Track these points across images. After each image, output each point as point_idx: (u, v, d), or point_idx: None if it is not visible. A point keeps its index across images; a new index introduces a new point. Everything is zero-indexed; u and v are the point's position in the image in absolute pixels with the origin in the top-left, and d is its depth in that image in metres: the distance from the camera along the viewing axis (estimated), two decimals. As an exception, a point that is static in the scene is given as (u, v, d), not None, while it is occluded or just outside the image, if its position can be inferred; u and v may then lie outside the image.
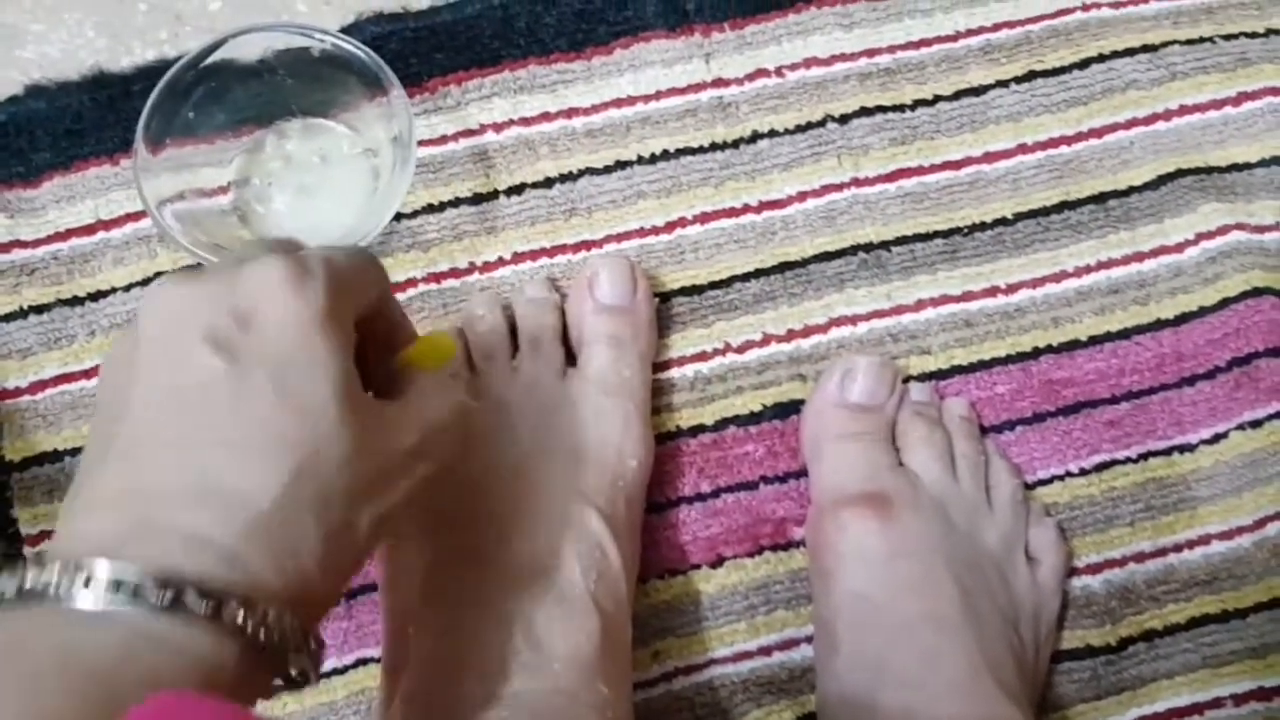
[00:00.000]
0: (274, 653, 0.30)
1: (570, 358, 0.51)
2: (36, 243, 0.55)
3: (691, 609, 0.51)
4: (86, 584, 0.28)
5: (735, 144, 0.57)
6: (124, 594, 0.28)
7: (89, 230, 0.55)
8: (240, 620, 0.29)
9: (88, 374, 0.53)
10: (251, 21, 0.55)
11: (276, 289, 0.33)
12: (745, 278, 0.55)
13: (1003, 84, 0.58)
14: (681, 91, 0.58)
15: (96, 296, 0.54)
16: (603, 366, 0.50)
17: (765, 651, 0.50)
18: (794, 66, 0.58)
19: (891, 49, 0.58)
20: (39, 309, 0.54)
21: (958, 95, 0.58)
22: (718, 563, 0.51)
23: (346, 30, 0.57)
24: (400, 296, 0.54)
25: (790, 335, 0.54)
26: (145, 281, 0.54)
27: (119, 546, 0.29)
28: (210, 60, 0.52)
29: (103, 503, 0.31)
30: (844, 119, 0.57)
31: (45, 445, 0.52)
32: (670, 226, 0.56)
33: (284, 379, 0.32)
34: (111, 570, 0.28)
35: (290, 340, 0.32)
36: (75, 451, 0.52)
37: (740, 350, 0.54)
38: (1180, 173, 0.56)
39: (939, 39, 0.59)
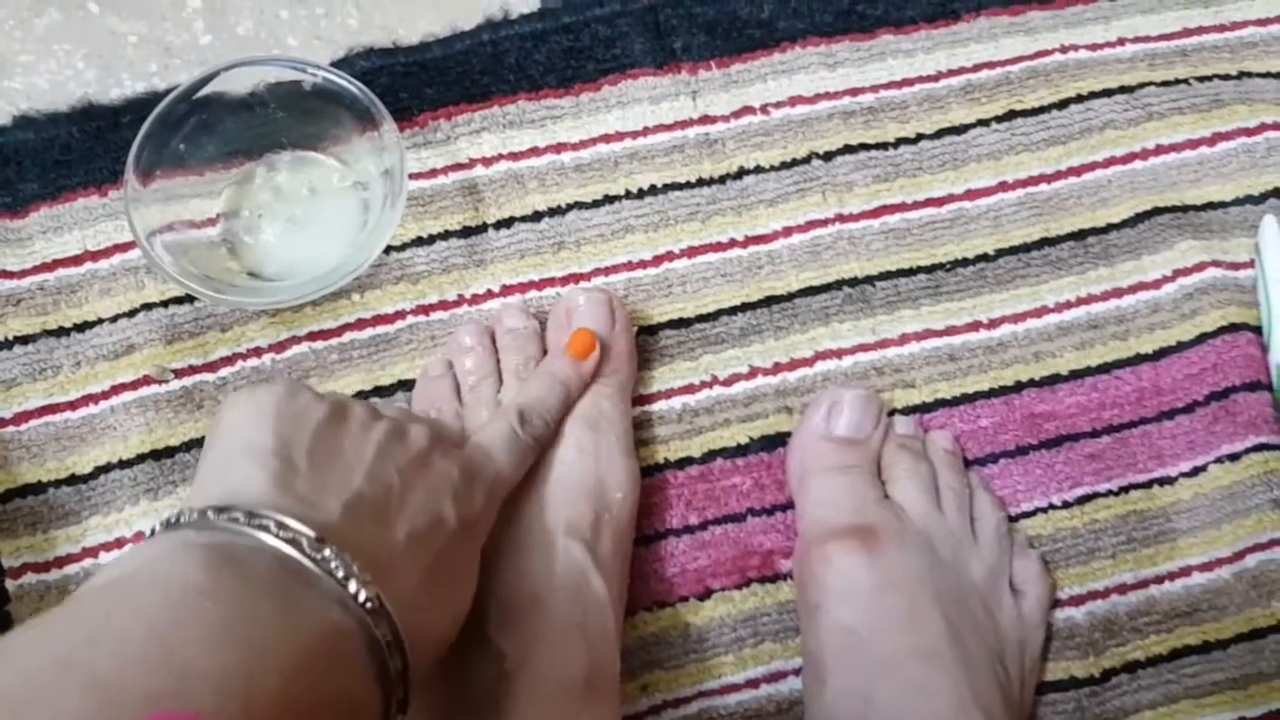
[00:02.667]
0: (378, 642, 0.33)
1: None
2: (23, 273, 0.55)
3: (679, 641, 0.51)
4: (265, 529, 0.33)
5: (722, 180, 0.57)
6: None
7: (76, 261, 0.55)
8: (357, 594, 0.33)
9: (73, 405, 0.53)
10: (242, 55, 0.55)
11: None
12: (732, 311, 0.55)
13: (984, 123, 0.59)
14: (668, 128, 0.58)
15: (83, 327, 0.54)
16: (585, 400, 0.50)
17: (753, 684, 0.50)
18: (779, 104, 0.59)
19: (875, 88, 0.59)
20: (24, 339, 0.54)
21: (940, 134, 0.59)
22: (705, 595, 0.51)
23: (337, 64, 0.58)
24: (388, 329, 0.55)
25: (776, 368, 0.55)
26: (132, 313, 0.54)
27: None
28: (202, 92, 0.52)
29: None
30: (828, 156, 0.58)
31: (29, 477, 0.52)
32: (657, 260, 0.56)
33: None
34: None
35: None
36: (59, 483, 0.52)
37: (727, 383, 0.54)
38: (1157, 210, 0.57)
39: (921, 78, 0.60)
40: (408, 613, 0.34)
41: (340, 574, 0.33)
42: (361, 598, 0.33)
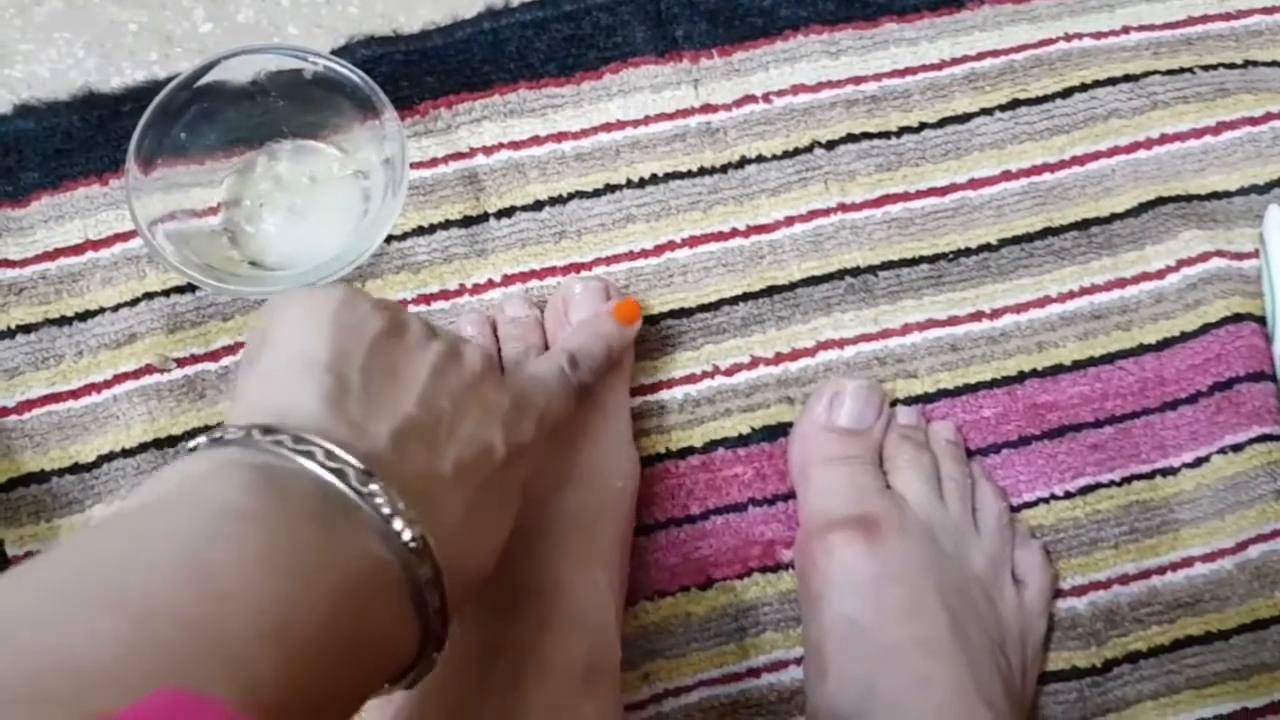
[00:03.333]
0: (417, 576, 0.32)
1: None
2: (24, 262, 0.55)
3: (681, 631, 0.51)
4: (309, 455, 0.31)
5: (723, 169, 0.57)
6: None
7: (77, 250, 0.55)
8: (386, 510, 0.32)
9: (75, 394, 0.53)
10: (242, 44, 0.55)
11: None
12: (733, 301, 0.55)
13: (987, 112, 0.59)
14: (670, 117, 0.58)
15: (85, 316, 0.54)
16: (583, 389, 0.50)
17: (754, 673, 0.50)
18: (781, 93, 0.59)
19: (878, 77, 0.59)
20: (26, 328, 0.54)
21: (943, 123, 0.59)
22: (707, 585, 0.51)
23: (337, 53, 0.58)
24: (390, 318, 0.55)
25: (778, 358, 0.54)
26: (134, 302, 0.54)
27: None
28: (203, 81, 0.52)
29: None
30: (831, 145, 0.58)
31: (32, 465, 0.52)
32: (659, 250, 0.56)
33: None
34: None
35: None
36: (62, 472, 0.52)
37: (729, 373, 0.54)
38: (1161, 200, 0.57)
39: (924, 67, 0.60)
40: (448, 547, 0.33)
41: (385, 510, 0.31)
42: (406, 536, 0.32)
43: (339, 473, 0.31)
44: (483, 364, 0.39)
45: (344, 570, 0.30)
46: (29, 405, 0.53)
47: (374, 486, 0.32)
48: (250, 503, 0.29)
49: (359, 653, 0.30)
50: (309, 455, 0.31)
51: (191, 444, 0.33)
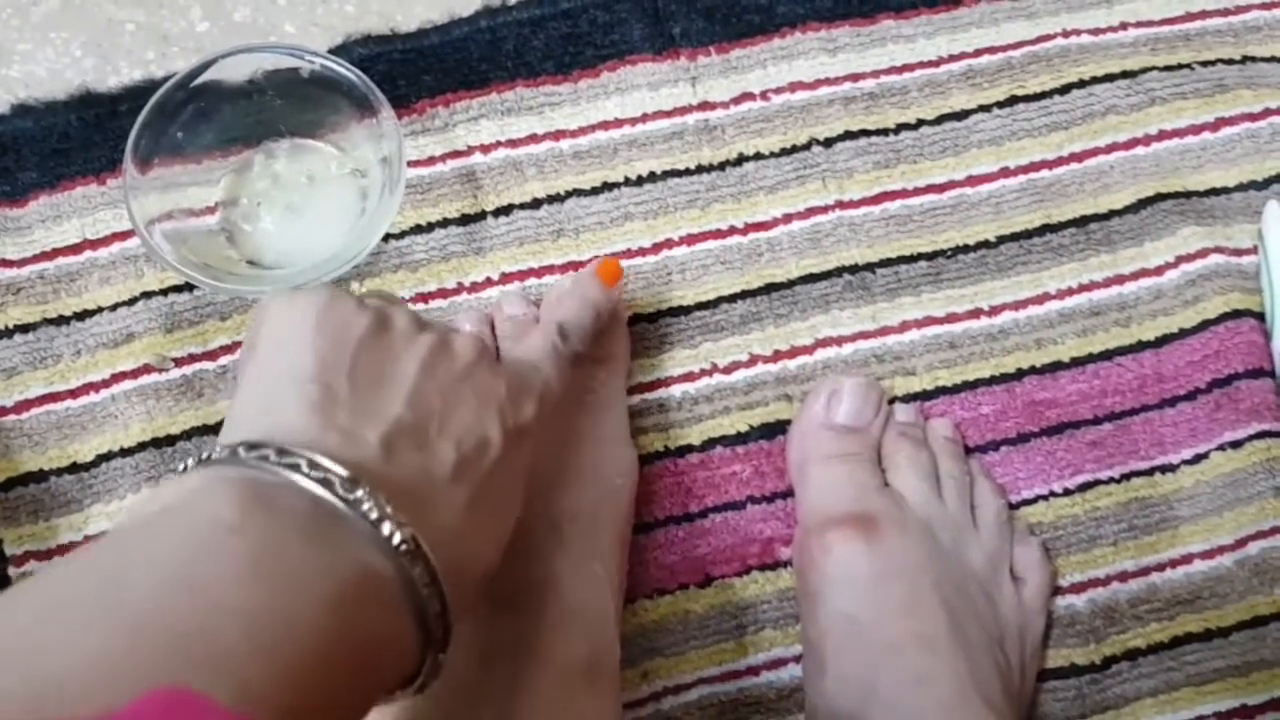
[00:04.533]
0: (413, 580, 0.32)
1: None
2: (22, 262, 0.54)
3: (680, 629, 0.51)
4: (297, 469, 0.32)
5: (721, 166, 0.57)
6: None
7: (75, 250, 0.55)
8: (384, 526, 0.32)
9: (73, 394, 0.53)
10: (239, 43, 0.55)
11: None
12: (732, 299, 0.55)
13: (985, 109, 0.59)
14: (668, 114, 0.58)
15: (83, 316, 0.54)
16: (582, 386, 0.50)
17: (754, 671, 0.50)
18: (779, 90, 0.59)
19: (875, 73, 0.59)
20: (25, 328, 0.54)
21: (940, 119, 0.58)
22: (706, 582, 0.51)
23: (334, 52, 0.58)
24: (388, 317, 0.55)
25: (777, 356, 0.54)
26: (131, 301, 0.54)
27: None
28: (200, 80, 0.52)
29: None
30: (828, 142, 0.58)
31: (30, 465, 0.52)
32: (657, 248, 0.56)
33: None
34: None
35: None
36: (61, 471, 0.52)
37: (727, 371, 0.54)
38: (1160, 197, 0.57)
39: (922, 64, 0.59)
40: (447, 547, 0.33)
41: (373, 515, 0.31)
42: (396, 540, 0.32)
43: (325, 482, 0.31)
44: (474, 352, 0.39)
45: (336, 578, 0.30)
46: (27, 405, 0.53)
47: (360, 493, 0.32)
48: (239, 518, 0.29)
49: (358, 658, 0.30)
50: (294, 468, 0.31)
51: (180, 465, 0.33)
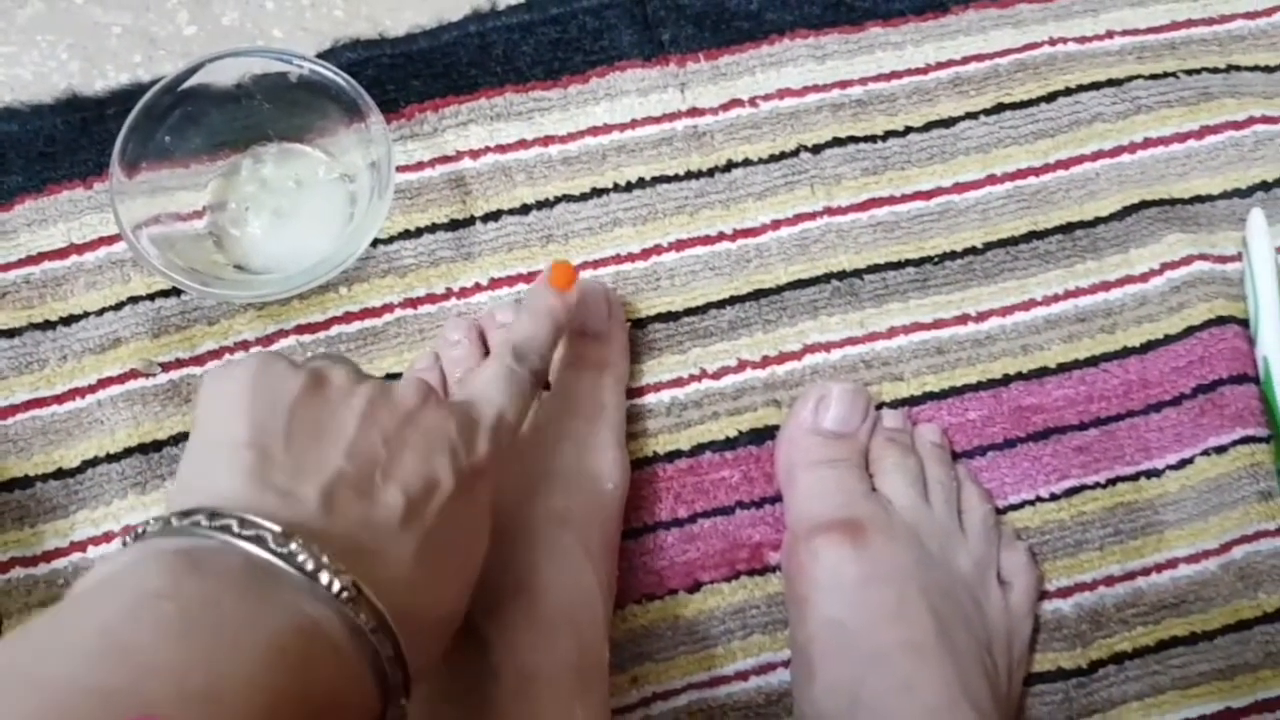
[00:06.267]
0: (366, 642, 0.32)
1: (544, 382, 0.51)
2: (7, 266, 0.54)
3: (669, 634, 0.51)
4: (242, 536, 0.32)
5: (710, 173, 0.57)
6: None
7: (61, 254, 0.54)
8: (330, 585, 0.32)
9: (59, 399, 0.52)
10: (226, 47, 0.55)
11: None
12: (720, 304, 0.55)
13: (972, 116, 0.59)
14: (657, 120, 0.58)
15: (69, 320, 0.54)
16: (578, 391, 0.50)
17: (742, 676, 0.50)
18: (768, 97, 0.59)
19: (863, 80, 0.59)
20: (10, 333, 0.53)
21: (928, 127, 0.59)
22: (695, 588, 0.51)
23: (323, 56, 0.57)
24: (376, 322, 0.55)
25: (765, 361, 0.54)
26: (118, 306, 0.54)
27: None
28: (187, 84, 0.52)
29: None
30: (817, 149, 0.58)
31: (15, 471, 0.51)
32: (646, 254, 0.56)
33: None
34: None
35: None
36: (46, 477, 0.51)
37: (716, 376, 0.54)
38: (1145, 204, 0.57)
39: (910, 71, 0.60)
40: (398, 592, 0.33)
41: (309, 567, 0.32)
42: (335, 588, 0.32)
43: (258, 540, 0.32)
44: (416, 397, 0.39)
45: (273, 631, 0.30)
46: (12, 410, 0.52)
47: (293, 545, 0.32)
48: (168, 584, 0.30)
49: (308, 708, 0.30)
50: (226, 529, 0.32)
51: (117, 542, 0.33)
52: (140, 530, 0.33)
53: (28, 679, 0.26)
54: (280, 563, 0.32)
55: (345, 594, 0.32)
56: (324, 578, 0.32)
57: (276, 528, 0.32)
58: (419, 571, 0.35)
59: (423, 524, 0.36)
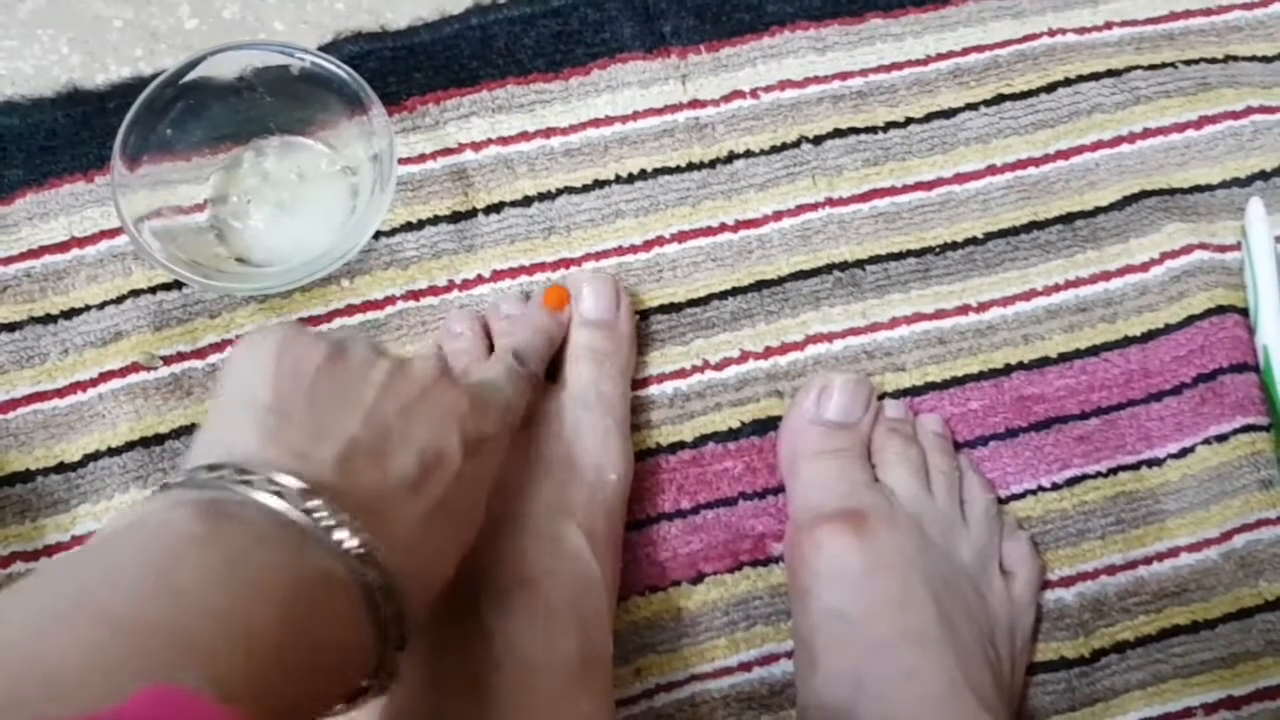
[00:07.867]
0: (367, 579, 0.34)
1: (549, 372, 0.51)
2: (9, 260, 0.54)
3: (672, 625, 0.51)
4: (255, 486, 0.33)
5: (712, 164, 0.57)
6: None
7: (63, 247, 0.54)
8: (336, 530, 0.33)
9: (60, 393, 0.52)
10: (227, 40, 0.55)
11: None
12: (723, 296, 0.55)
13: (972, 107, 0.59)
14: (658, 112, 0.58)
15: (70, 314, 0.54)
16: (584, 381, 0.50)
17: (746, 667, 0.50)
18: (769, 88, 0.59)
19: (864, 72, 0.60)
20: (11, 327, 0.53)
21: (928, 118, 0.59)
22: (698, 579, 0.51)
23: (325, 49, 0.57)
24: (378, 314, 0.55)
25: (768, 352, 0.55)
26: (120, 299, 0.54)
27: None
28: (189, 77, 0.52)
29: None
30: (818, 140, 0.58)
31: (17, 465, 0.51)
32: (648, 245, 0.56)
33: None
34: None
35: None
36: (48, 471, 0.51)
37: (718, 367, 0.54)
38: (1144, 194, 0.57)
39: (910, 62, 0.60)
40: (404, 554, 0.35)
41: (329, 523, 0.33)
42: (351, 545, 0.33)
43: (281, 496, 0.33)
44: (433, 373, 0.41)
45: (299, 583, 0.32)
46: (13, 404, 0.52)
47: (315, 502, 0.33)
48: (205, 529, 0.31)
49: (317, 656, 0.32)
50: (251, 485, 0.33)
51: (146, 494, 0.34)
52: (166, 483, 0.34)
53: (87, 610, 0.28)
54: (303, 519, 0.33)
55: (359, 551, 0.33)
56: (340, 534, 0.33)
57: (300, 485, 0.33)
58: (421, 537, 0.37)
59: (432, 491, 0.38)
